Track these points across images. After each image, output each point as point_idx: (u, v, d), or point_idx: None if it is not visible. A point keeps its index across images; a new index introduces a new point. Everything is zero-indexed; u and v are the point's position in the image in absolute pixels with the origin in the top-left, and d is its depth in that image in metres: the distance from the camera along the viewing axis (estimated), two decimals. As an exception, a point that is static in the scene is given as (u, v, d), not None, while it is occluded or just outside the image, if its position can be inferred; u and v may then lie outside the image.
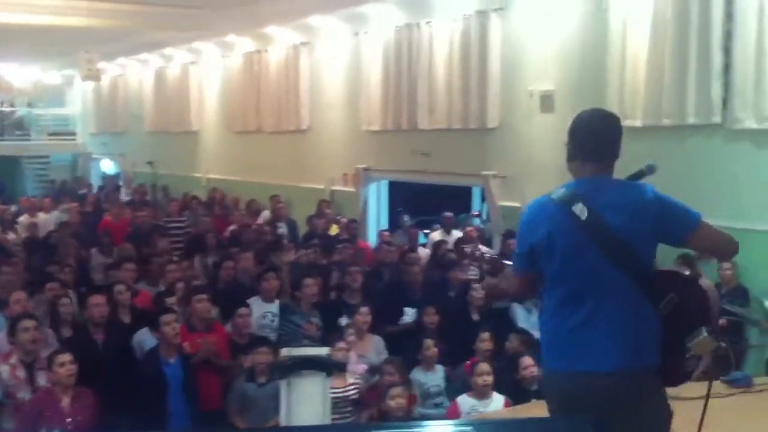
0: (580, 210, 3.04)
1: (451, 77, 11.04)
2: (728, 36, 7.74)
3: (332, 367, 2.23)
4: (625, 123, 8.58)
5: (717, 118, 7.80)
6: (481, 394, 5.62)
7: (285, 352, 2.22)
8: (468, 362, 6.07)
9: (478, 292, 7.44)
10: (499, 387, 5.91)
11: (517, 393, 5.80)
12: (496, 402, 5.64)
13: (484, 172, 10.57)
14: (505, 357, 6.32)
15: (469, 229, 10.30)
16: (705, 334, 3.01)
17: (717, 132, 7.95)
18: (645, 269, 3.06)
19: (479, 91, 10.59)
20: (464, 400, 5.65)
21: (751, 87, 7.53)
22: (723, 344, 3.18)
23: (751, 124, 7.58)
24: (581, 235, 3.03)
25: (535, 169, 10.02)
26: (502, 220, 10.42)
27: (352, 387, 5.79)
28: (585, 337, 3.04)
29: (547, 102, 9.79)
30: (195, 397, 5.84)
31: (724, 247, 3.17)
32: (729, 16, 7.72)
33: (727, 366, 4.86)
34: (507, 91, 10.37)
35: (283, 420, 2.13)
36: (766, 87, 7.40)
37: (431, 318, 6.97)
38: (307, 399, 2.15)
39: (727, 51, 7.75)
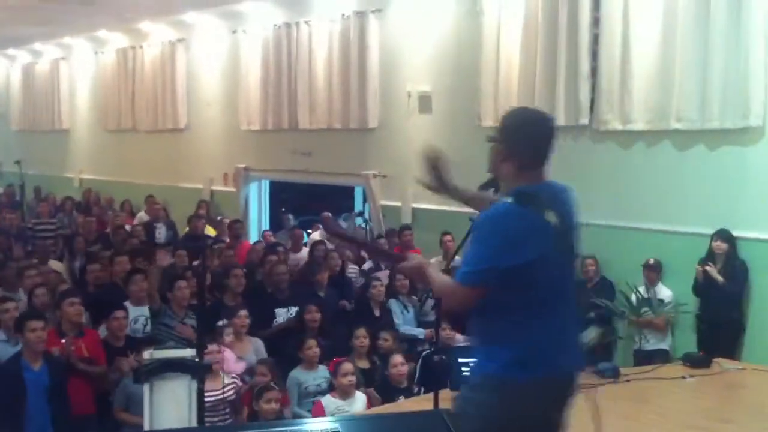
0: (553, 217, 2.93)
1: (331, 77, 11.05)
2: (595, 40, 8.07)
3: (198, 370, 2.16)
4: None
5: (585, 120, 8.12)
6: (345, 393, 5.61)
7: (147, 354, 2.13)
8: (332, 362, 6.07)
9: (378, 289, 7.49)
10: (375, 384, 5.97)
11: (386, 390, 5.86)
12: (359, 401, 5.64)
13: (365, 172, 10.63)
14: (378, 354, 6.39)
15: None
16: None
17: (585, 133, 8.28)
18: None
19: (359, 91, 10.65)
20: (328, 401, 5.61)
21: (616, 89, 7.87)
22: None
23: (616, 125, 7.92)
24: (555, 245, 2.95)
25: (414, 168, 10.15)
26: (382, 219, 10.51)
27: (230, 388, 5.69)
28: (565, 341, 3.06)
29: (424, 103, 9.95)
30: (65, 402, 5.61)
31: None
32: (596, 20, 8.06)
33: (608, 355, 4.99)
34: (386, 91, 10.48)
35: (146, 423, 2.06)
36: (631, 89, 7.74)
37: (313, 316, 6.94)
38: (172, 401, 2.09)
39: (595, 54, 8.09)
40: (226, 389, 5.60)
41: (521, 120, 3.08)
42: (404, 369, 5.93)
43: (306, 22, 11.37)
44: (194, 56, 13.82)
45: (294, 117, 11.67)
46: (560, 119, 8.25)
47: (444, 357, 4.42)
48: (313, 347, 6.25)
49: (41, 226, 12.12)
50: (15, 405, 5.28)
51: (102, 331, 6.55)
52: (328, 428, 1.55)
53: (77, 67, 17.11)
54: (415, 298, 7.87)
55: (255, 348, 6.58)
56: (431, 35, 9.85)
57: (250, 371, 6.31)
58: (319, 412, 5.52)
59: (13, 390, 5.31)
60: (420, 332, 7.40)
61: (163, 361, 2.07)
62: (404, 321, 7.55)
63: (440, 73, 9.81)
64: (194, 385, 2.06)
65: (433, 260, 3.27)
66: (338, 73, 10.95)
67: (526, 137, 2.99)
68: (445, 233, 8.71)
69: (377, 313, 7.50)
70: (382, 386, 5.94)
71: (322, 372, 6.13)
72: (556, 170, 3.20)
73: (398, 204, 10.25)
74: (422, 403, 4.38)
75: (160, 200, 13.13)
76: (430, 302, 7.80)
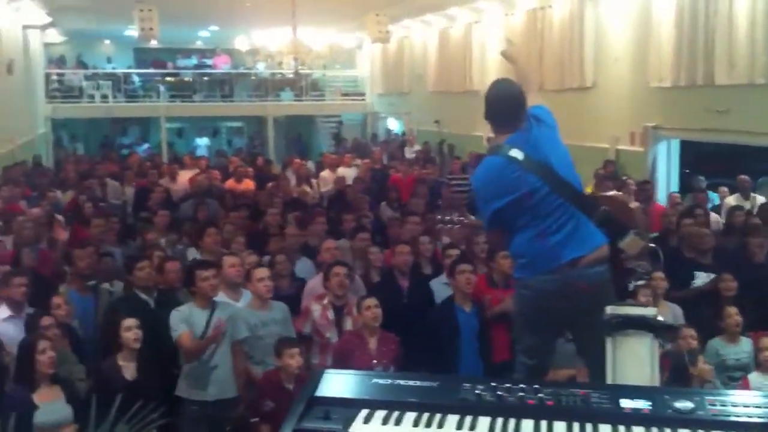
0: (516, 152, 3.85)
1: (754, 27, 10.18)
2: None
3: (660, 329, 2.20)
4: None
5: None
6: None
7: (610, 309, 2.22)
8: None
9: None
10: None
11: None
12: None
13: (797, 131, 9.67)
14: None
15: None
16: (632, 235, 3.72)
17: None
18: (576, 190, 3.89)
19: (789, 42, 9.67)
20: (754, 378, 5.29)
21: None
22: (650, 243, 3.86)
23: None
24: (525, 172, 3.83)
25: None
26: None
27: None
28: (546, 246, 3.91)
29: None
30: (487, 346, 5.99)
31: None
32: None
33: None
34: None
35: (609, 378, 2.17)
36: None
37: (728, 285, 6.57)
38: (634, 359, 2.16)
39: None
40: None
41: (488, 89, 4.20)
42: None
43: (730, -31, 10.59)
44: (603, 13, 13.66)
45: (710, 72, 10.98)
46: None
47: None
48: (732, 315, 5.92)
49: (455, 181, 13.00)
50: (449, 344, 5.80)
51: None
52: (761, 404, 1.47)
53: (488, 30, 17.88)
54: None
55: (673, 314, 6.41)
56: None
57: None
58: (745, 388, 5.26)
59: (447, 330, 5.83)
60: None
61: (625, 318, 2.15)
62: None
63: None
64: (656, 344, 2.11)
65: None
66: (763, 23, 10.03)
67: (486, 104, 4.19)
68: None
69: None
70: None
71: (745, 346, 5.78)
72: None
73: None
74: None
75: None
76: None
